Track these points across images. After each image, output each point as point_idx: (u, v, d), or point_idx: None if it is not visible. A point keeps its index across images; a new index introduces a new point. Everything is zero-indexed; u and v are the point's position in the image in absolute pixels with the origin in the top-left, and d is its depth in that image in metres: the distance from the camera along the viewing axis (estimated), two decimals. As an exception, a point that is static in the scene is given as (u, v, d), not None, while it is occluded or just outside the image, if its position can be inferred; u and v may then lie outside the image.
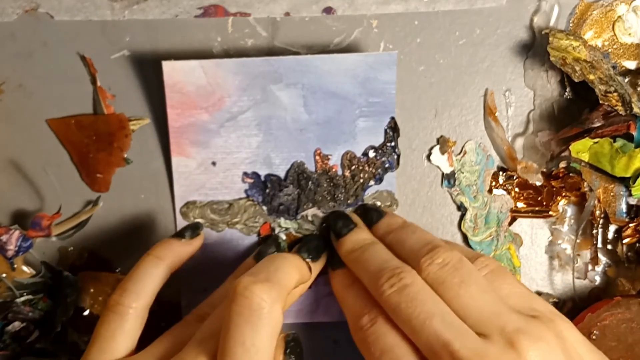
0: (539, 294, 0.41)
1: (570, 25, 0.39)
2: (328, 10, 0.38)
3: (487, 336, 0.29)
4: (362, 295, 0.34)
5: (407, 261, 0.33)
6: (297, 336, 0.32)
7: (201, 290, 0.39)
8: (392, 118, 0.38)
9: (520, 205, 0.40)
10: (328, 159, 0.38)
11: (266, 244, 0.38)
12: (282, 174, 0.38)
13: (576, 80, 0.37)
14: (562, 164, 0.39)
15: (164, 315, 0.39)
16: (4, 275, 0.38)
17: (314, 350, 0.40)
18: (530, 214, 0.40)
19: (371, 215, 0.37)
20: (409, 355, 0.30)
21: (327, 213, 0.38)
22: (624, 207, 0.40)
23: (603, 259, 0.41)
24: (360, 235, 0.36)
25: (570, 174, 0.40)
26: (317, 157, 0.38)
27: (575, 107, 0.40)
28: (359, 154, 0.38)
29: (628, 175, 0.38)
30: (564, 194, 0.40)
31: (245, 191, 0.38)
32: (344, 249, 0.36)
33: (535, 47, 0.39)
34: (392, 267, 0.32)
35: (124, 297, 0.32)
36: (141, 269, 0.33)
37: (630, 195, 0.39)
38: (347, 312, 0.34)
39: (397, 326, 0.31)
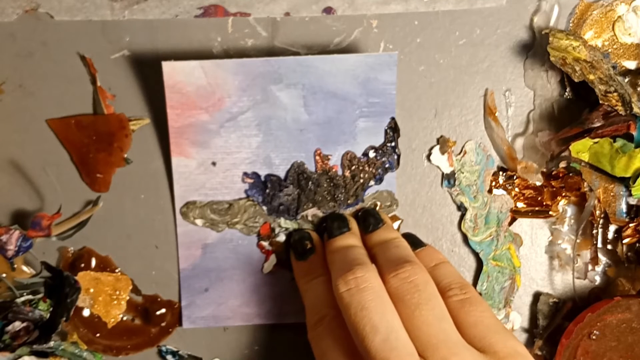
0: (539, 294, 0.41)
1: (570, 25, 0.39)
2: (328, 10, 0.38)
3: None
4: (320, 293, 0.34)
5: (380, 272, 0.32)
6: None
7: (201, 290, 0.39)
8: (392, 118, 0.38)
9: (520, 205, 0.40)
10: (328, 159, 0.38)
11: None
12: (282, 174, 0.38)
13: (576, 80, 0.37)
14: (562, 164, 0.39)
15: (164, 315, 0.39)
16: (4, 275, 0.38)
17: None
18: (530, 214, 0.40)
19: (369, 222, 0.37)
20: None
21: (327, 214, 0.38)
22: (624, 207, 0.40)
23: (603, 259, 0.41)
24: (348, 240, 0.36)
25: (570, 174, 0.40)
26: (317, 157, 0.38)
27: (575, 107, 0.40)
28: (359, 154, 0.38)
29: (628, 175, 0.38)
30: (564, 194, 0.40)
31: (245, 191, 0.38)
32: (329, 248, 0.36)
33: (535, 47, 0.39)
34: (355, 268, 0.32)
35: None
36: None
37: (630, 195, 0.39)
38: (305, 307, 0.35)
39: (345, 328, 0.31)
